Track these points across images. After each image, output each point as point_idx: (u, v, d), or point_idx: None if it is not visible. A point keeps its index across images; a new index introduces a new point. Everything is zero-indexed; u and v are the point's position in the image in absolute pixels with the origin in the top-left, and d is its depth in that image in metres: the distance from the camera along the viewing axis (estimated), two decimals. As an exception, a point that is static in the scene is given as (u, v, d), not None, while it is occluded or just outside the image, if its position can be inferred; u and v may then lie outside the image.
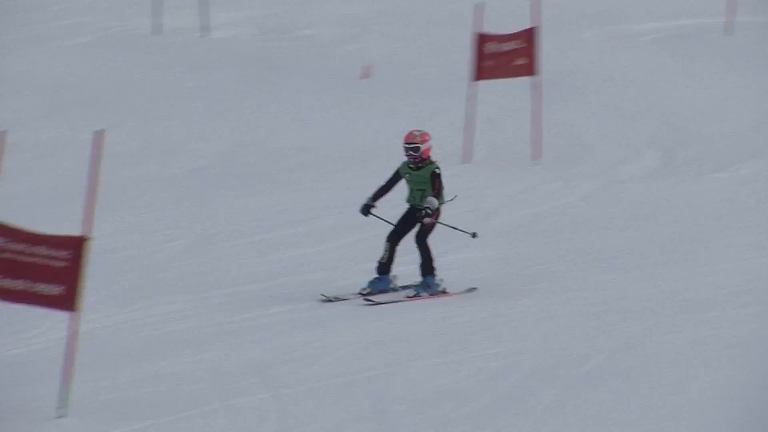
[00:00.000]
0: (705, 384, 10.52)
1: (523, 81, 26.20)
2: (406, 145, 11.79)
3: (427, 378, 11.03)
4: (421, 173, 11.65)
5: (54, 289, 11.03)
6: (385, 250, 11.80)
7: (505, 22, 32.04)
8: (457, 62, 32.76)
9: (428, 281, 11.06)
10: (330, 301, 12.44)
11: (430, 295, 11.31)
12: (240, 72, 40.42)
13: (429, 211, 11.54)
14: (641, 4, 46.17)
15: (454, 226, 12.52)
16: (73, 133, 25.71)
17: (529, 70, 13.92)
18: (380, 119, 33.94)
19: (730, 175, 26.73)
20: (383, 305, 12.44)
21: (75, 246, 10.85)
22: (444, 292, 11.38)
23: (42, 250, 11.00)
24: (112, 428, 10.35)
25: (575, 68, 35.65)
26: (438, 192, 11.67)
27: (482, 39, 14.75)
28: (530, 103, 26.55)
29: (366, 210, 11.70)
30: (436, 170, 11.74)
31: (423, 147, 11.82)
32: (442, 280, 12.33)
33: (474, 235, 12.78)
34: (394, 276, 12.48)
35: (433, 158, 12.12)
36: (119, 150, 22.66)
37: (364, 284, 12.75)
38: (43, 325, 13.04)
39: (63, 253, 11.00)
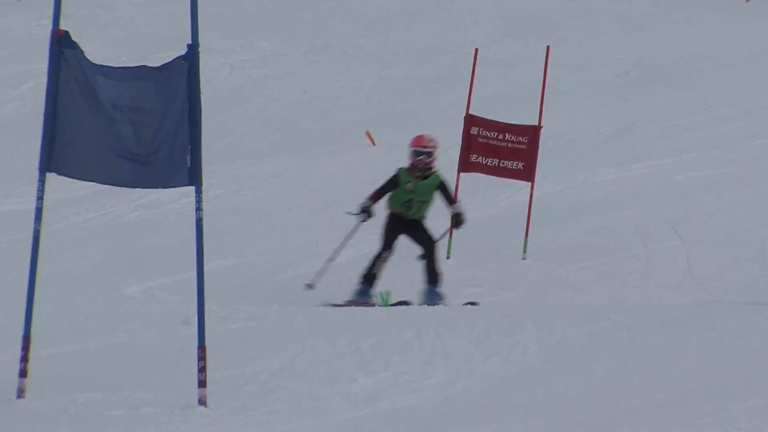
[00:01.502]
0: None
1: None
2: (419, 149, 10.14)
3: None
4: (427, 182, 10.08)
5: (517, 165, 12.72)
6: (382, 251, 10.02)
7: None
8: None
9: (432, 290, 9.96)
10: None
11: (437, 301, 9.77)
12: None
13: (461, 219, 10.20)
14: None
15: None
16: (528, 48, 26.24)
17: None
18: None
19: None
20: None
21: (532, 133, 12.51)
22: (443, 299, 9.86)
23: (508, 136, 12.66)
24: (562, 267, 11.58)
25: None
26: (452, 198, 10.28)
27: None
28: None
29: (366, 210, 10.17)
30: (443, 179, 10.24)
31: (436, 153, 10.29)
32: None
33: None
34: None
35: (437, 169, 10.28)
36: (563, 60, 23.35)
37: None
38: (508, 191, 13.85)
39: (523, 138, 12.55)
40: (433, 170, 10.22)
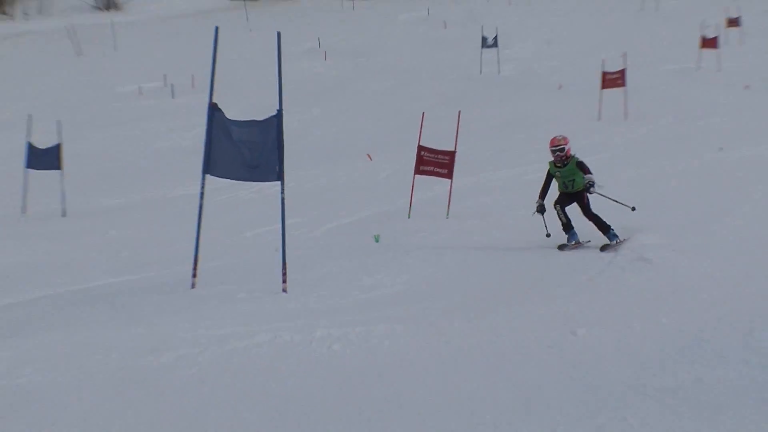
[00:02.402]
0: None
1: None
2: (553, 148, 8.54)
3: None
4: (569, 167, 8.44)
5: (443, 170, 11.61)
6: (562, 215, 8.43)
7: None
8: None
9: (611, 234, 8.14)
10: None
11: (617, 242, 7.99)
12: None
13: (591, 184, 8.31)
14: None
15: (615, 199, 8.63)
16: (452, 115, 23.53)
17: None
18: None
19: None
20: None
21: (451, 154, 11.37)
22: (623, 240, 7.92)
23: (440, 156, 11.62)
24: (468, 222, 10.57)
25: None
26: (589, 171, 8.38)
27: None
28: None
29: (542, 208, 8.58)
30: (578, 159, 8.48)
31: (567, 147, 8.53)
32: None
33: (633, 209, 8.53)
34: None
35: (573, 153, 8.59)
36: (472, 117, 19.33)
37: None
38: (441, 184, 12.27)
39: (446, 157, 11.49)
40: (570, 156, 8.64)
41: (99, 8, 48.66)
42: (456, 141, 11.75)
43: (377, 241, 9.75)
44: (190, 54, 29.92)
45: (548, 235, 8.55)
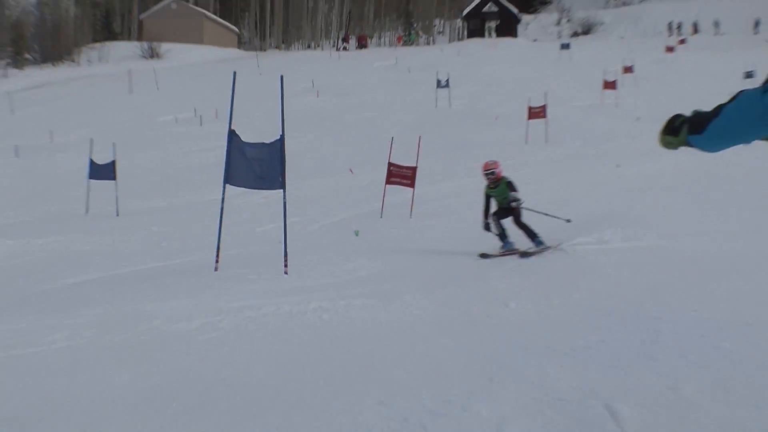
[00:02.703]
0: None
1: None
2: (485, 172, 7.88)
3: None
4: (500, 188, 7.79)
5: (407, 182, 11.41)
6: (497, 226, 7.72)
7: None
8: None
9: (536, 241, 7.49)
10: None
11: (542, 248, 7.34)
12: None
13: (514, 200, 7.66)
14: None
15: (547, 213, 8.05)
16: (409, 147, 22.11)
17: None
18: None
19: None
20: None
21: (413, 169, 11.21)
22: (549, 247, 7.26)
23: (404, 170, 11.40)
24: (427, 221, 10.39)
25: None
26: (515, 190, 7.73)
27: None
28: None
29: (487, 227, 7.87)
30: (508, 180, 7.82)
31: (497, 170, 7.86)
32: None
33: (568, 221, 7.96)
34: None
35: (504, 175, 7.93)
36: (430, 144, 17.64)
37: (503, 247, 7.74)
38: (406, 192, 11.84)
39: (409, 170, 11.30)
40: (501, 178, 7.93)
41: (145, 57, 48.91)
42: (417, 159, 11.74)
43: (357, 235, 9.67)
44: (214, 92, 29.64)
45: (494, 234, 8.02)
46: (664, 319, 4.47)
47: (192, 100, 29.93)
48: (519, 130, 19.95)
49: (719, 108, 1.90)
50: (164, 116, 28.05)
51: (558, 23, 61.07)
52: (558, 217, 8.03)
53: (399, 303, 5.37)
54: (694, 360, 3.59)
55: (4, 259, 9.22)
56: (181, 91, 33.72)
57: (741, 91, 1.87)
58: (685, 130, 1.96)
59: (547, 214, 8.09)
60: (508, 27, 55.15)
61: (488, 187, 8.05)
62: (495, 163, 8.12)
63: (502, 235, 7.91)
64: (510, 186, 7.96)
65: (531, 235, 7.75)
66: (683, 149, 2.01)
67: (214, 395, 3.41)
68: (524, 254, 7.45)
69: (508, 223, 7.95)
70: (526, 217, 7.91)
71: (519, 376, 3.50)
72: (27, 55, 48.25)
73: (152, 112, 28.65)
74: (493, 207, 8.07)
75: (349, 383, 3.51)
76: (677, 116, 2.01)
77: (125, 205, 13.84)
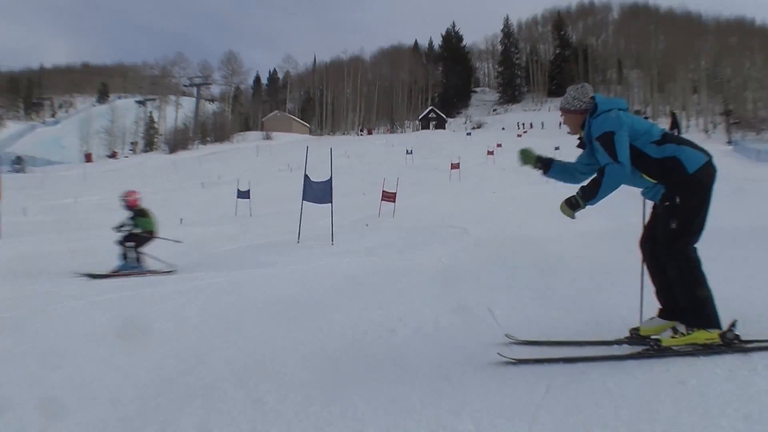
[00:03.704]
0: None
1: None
2: (121, 199, 5.08)
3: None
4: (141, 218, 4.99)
5: (390, 200, 10.07)
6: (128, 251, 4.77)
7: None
8: None
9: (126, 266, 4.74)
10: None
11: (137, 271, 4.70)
12: None
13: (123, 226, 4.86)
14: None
15: (165, 237, 5.22)
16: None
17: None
18: None
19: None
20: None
21: (393, 194, 9.89)
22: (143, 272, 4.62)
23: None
24: (417, 224, 9.07)
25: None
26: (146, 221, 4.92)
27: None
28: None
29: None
30: (142, 208, 5.02)
31: (129, 200, 5.02)
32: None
33: (180, 242, 5.45)
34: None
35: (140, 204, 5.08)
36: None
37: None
38: (388, 205, 10.41)
39: (391, 193, 9.68)
40: (139, 208, 5.05)
41: (264, 139, 49.43)
42: (396, 189, 11.40)
43: (367, 226, 8.71)
44: (297, 156, 29.29)
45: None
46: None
47: (287, 160, 29.69)
48: (446, 173, 19.77)
49: (598, 180, 1.75)
50: (276, 168, 27.77)
51: (465, 122, 62.79)
52: (170, 239, 5.34)
53: (386, 259, 5.12)
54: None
55: (200, 236, 8.37)
56: (283, 156, 33.31)
57: (606, 164, 1.74)
58: (581, 201, 1.79)
59: (164, 238, 5.21)
60: (440, 124, 57.69)
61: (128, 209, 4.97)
62: (132, 192, 5.22)
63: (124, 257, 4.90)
64: (143, 213, 5.03)
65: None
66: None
67: (302, 297, 3.33)
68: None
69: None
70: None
71: (455, 296, 3.09)
72: (207, 137, 51.67)
73: (269, 167, 28.44)
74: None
75: (361, 294, 3.33)
76: (571, 197, 1.82)
77: (255, 210, 13.48)
